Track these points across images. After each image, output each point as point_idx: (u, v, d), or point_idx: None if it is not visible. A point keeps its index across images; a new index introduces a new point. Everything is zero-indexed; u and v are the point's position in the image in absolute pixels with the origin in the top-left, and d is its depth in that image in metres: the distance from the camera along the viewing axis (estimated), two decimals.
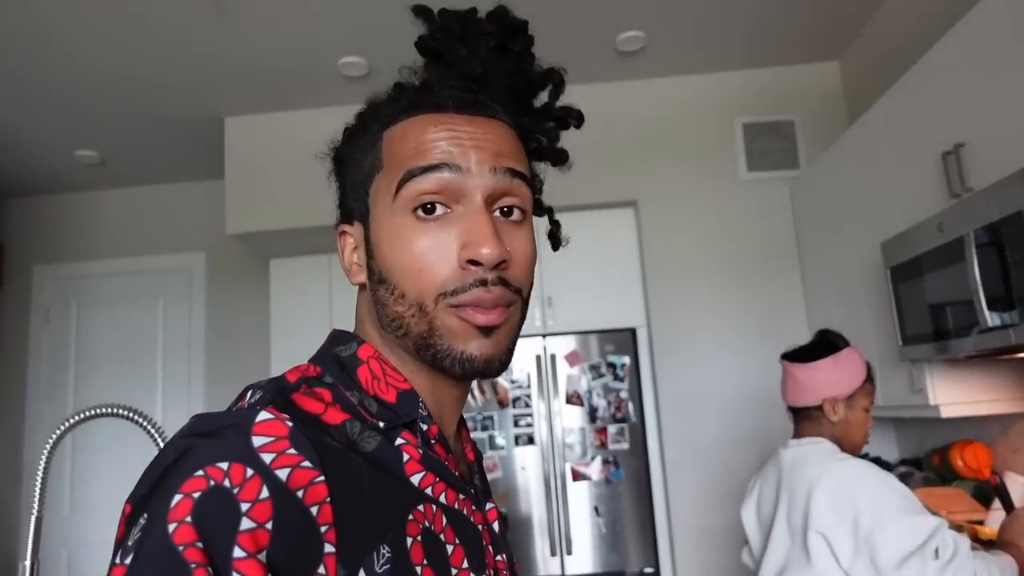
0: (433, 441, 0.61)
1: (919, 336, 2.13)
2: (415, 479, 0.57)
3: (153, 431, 1.15)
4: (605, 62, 3.26)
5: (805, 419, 1.69)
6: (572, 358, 3.35)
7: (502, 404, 3.33)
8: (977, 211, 1.80)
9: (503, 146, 0.61)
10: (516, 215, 0.61)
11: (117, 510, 3.36)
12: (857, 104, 3.17)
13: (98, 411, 1.12)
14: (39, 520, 1.13)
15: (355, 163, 0.64)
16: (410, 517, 0.54)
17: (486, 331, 0.58)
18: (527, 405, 3.33)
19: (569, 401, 3.31)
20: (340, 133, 0.68)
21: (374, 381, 0.60)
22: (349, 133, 0.67)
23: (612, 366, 3.33)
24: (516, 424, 3.31)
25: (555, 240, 0.76)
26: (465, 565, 0.57)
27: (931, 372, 2.24)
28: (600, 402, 3.30)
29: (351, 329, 0.67)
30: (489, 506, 0.67)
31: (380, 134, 0.62)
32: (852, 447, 1.66)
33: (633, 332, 3.36)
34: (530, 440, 3.30)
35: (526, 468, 3.28)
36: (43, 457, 1.11)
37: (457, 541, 0.57)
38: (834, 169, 2.82)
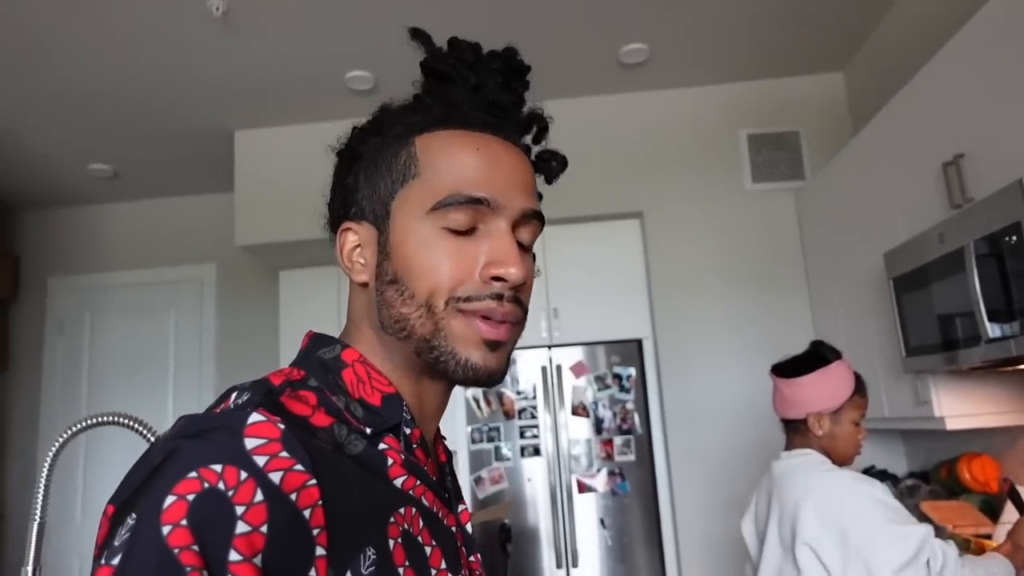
0: (415, 445, 0.62)
1: (923, 347, 2.12)
2: (398, 482, 0.58)
3: (152, 439, 1.17)
4: (609, 74, 3.28)
5: (794, 431, 1.70)
6: (578, 369, 3.36)
7: (508, 415, 3.33)
8: (977, 221, 1.80)
9: (530, 183, 0.65)
10: (527, 245, 0.65)
11: None
12: (862, 115, 3.17)
13: (98, 420, 1.14)
14: (41, 526, 1.15)
15: (376, 164, 0.65)
16: (391, 520, 0.55)
17: (492, 345, 0.60)
18: (533, 416, 3.33)
19: (575, 412, 3.31)
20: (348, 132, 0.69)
21: (359, 384, 0.61)
22: (366, 132, 0.67)
23: (618, 377, 3.33)
24: (522, 435, 3.32)
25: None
26: (443, 565, 0.58)
27: (936, 384, 2.23)
28: (606, 413, 3.30)
29: (340, 329, 0.68)
30: (461, 508, 0.68)
31: (410, 139, 0.63)
32: (841, 459, 1.65)
33: (639, 343, 3.36)
34: (536, 451, 3.30)
35: (532, 480, 3.28)
36: (46, 463, 1.14)
37: (434, 542, 0.58)
38: (838, 180, 2.82)
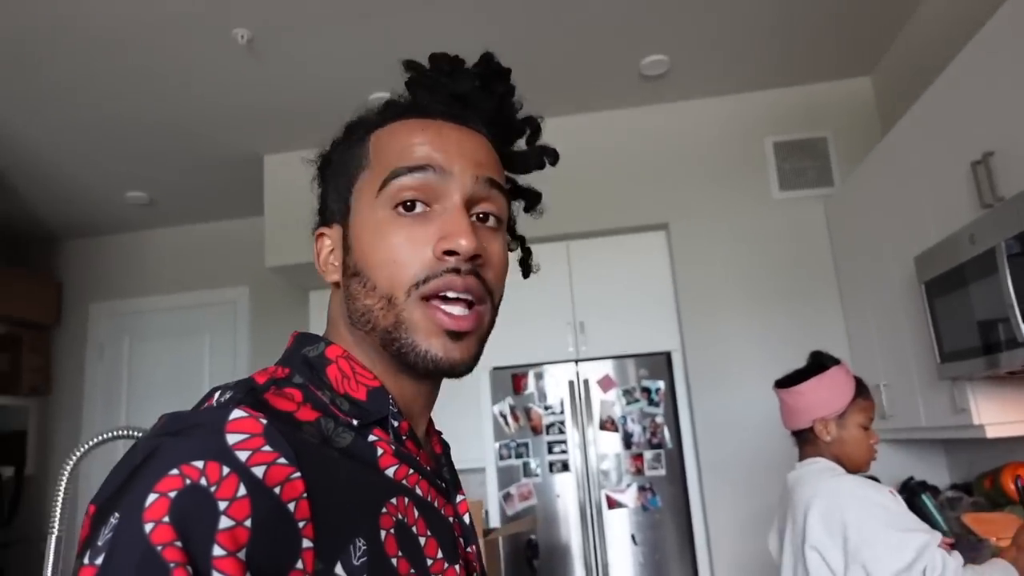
0: (404, 437, 0.61)
1: (958, 352, 2.05)
2: (390, 472, 0.57)
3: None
4: (630, 87, 3.27)
5: (804, 442, 1.73)
6: (606, 383, 3.32)
7: (536, 431, 3.31)
8: (1008, 220, 1.74)
9: (485, 156, 0.64)
10: (492, 222, 0.64)
11: None
12: (891, 118, 3.11)
13: (112, 435, 1.16)
14: (59, 540, 1.17)
15: (339, 165, 0.67)
16: (384, 510, 0.54)
17: (454, 335, 0.59)
18: (561, 431, 3.30)
19: (603, 427, 3.27)
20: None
21: (344, 380, 0.61)
22: (336, 140, 0.70)
23: (647, 391, 3.29)
24: (551, 451, 3.28)
25: (526, 267, 0.79)
26: (439, 555, 0.58)
27: (973, 390, 2.15)
28: (635, 428, 3.25)
29: (323, 330, 0.68)
30: (459, 498, 0.68)
31: (367, 137, 0.65)
32: (855, 465, 1.65)
33: (668, 356, 3.31)
34: (565, 467, 3.26)
35: (561, 496, 3.24)
36: (64, 476, 1.16)
37: (429, 533, 0.58)
38: (867, 184, 2.76)
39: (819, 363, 1.73)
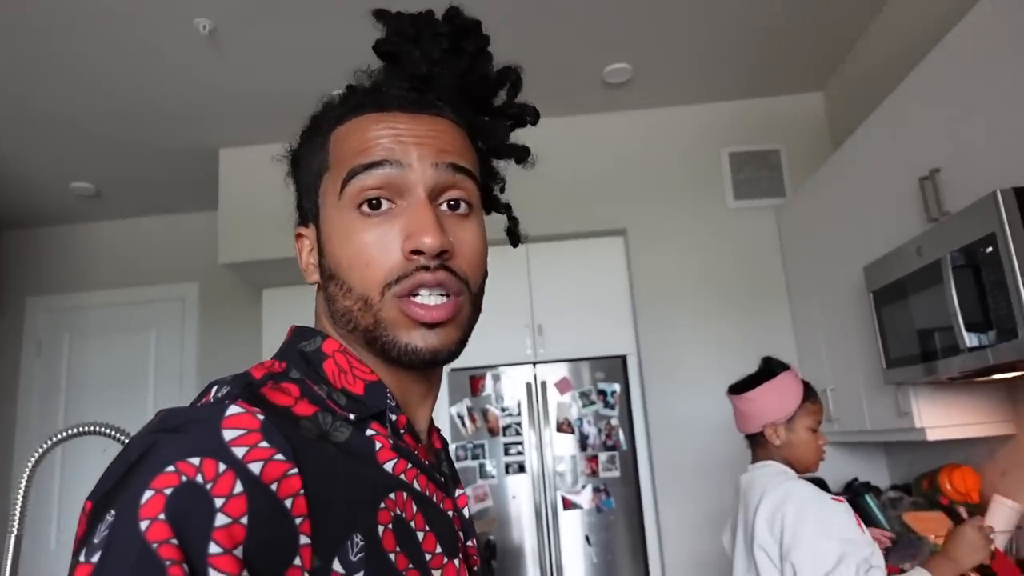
0: (402, 431, 0.62)
1: (902, 359, 2.15)
2: (388, 466, 0.57)
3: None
4: (593, 94, 3.33)
5: (756, 445, 1.79)
6: (563, 385, 3.36)
7: (493, 432, 3.32)
8: (953, 234, 1.83)
9: (446, 142, 0.63)
10: (463, 208, 0.63)
11: None
12: (840, 132, 3.23)
13: (81, 430, 1.13)
14: (19, 540, 1.13)
15: (306, 165, 0.66)
16: (382, 505, 0.54)
17: (430, 326, 0.59)
18: (518, 433, 3.32)
19: (560, 429, 3.31)
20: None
21: (341, 374, 0.61)
22: (303, 135, 0.68)
23: (603, 393, 3.34)
24: (507, 452, 3.30)
25: (514, 236, 0.77)
26: (438, 550, 0.58)
27: (916, 395, 2.26)
28: (591, 430, 3.30)
29: (286, 327, 0.68)
30: (459, 492, 0.68)
31: (328, 135, 0.64)
32: (803, 467, 1.73)
33: (623, 359, 3.37)
34: (521, 468, 3.28)
35: (517, 497, 3.26)
36: (24, 474, 1.12)
37: (427, 527, 0.58)
38: (818, 196, 2.86)
39: (769, 369, 1.79)
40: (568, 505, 3.23)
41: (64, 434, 1.10)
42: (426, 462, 0.63)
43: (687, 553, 3.07)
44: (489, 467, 3.29)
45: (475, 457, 3.30)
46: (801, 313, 3.14)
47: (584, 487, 3.24)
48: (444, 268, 0.59)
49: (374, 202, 0.60)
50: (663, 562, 3.11)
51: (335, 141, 0.63)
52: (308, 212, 0.66)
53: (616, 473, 3.25)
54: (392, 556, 0.53)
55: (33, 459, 1.11)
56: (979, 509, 2.30)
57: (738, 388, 1.81)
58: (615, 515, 3.21)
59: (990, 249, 1.69)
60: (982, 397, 2.25)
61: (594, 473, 3.25)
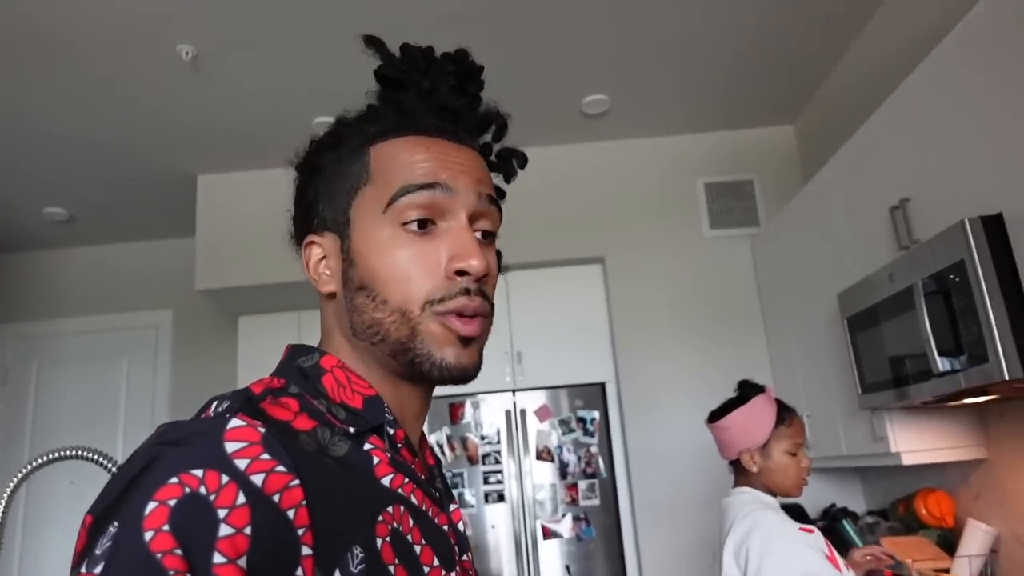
0: (400, 445, 0.62)
1: (877, 384, 2.19)
2: (386, 480, 0.58)
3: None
4: (572, 124, 3.38)
5: (737, 471, 1.77)
6: (542, 413, 3.36)
7: (472, 461, 3.30)
8: (923, 261, 1.89)
9: (481, 174, 0.67)
10: (490, 238, 0.67)
11: None
12: (811, 164, 3.32)
13: (61, 454, 1.11)
14: None
15: (335, 175, 0.66)
16: (380, 518, 0.55)
17: (465, 341, 0.61)
18: (497, 461, 3.30)
19: (539, 457, 3.30)
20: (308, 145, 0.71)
21: (340, 389, 0.61)
22: (324, 145, 0.69)
23: (582, 421, 3.34)
24: (486, 481, 3.28)
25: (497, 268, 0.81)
26: (436, 563, 0.58)
27: (891, 420, 2.30)
28: (571, 457, 3.29)
29: (315, 341, 0.69)
30: (453, 507, 0.69)
31: (366, 148, 0.65)
32: (783, 492, 1.70)
33: (603, 387, 3.38)
34: (500, 497, 3.26)
35: (496, 527, 3.23)
36: (5, 495, 1.09)
37: (424, 541, 0.59)
38: (791, 225, 2.93)
39: (742, 394, 1.77)
40: (548, 534, 3.21)
41: (47, 457, 1.08)
42: (422, 476, 0.64)
43: None
44: (468, 496, 3.26)
45: (454, 486, 3.28)
46: (777, 340, 3.18)
47: (564, 516, 3.22)
48: (481, 293, 0.62)
49: (420, 221, 0.62)
50: None
51: (378, 157, 0.64)
52: (327, 221, 0.66)
53: (596, 501, 3.24)
54: (392, 568, 0.53)
55: (14, 482, 1.09)
56: (954, 533, 2.33)
57: (714, 416, 1.79)
58: (595, 544, 3.20)
59: (959, 276, 1.74)
60: (954, 422, 2.29)
61: (574, 501, 3.24)
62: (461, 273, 0.61)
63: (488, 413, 3.35)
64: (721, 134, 3.56)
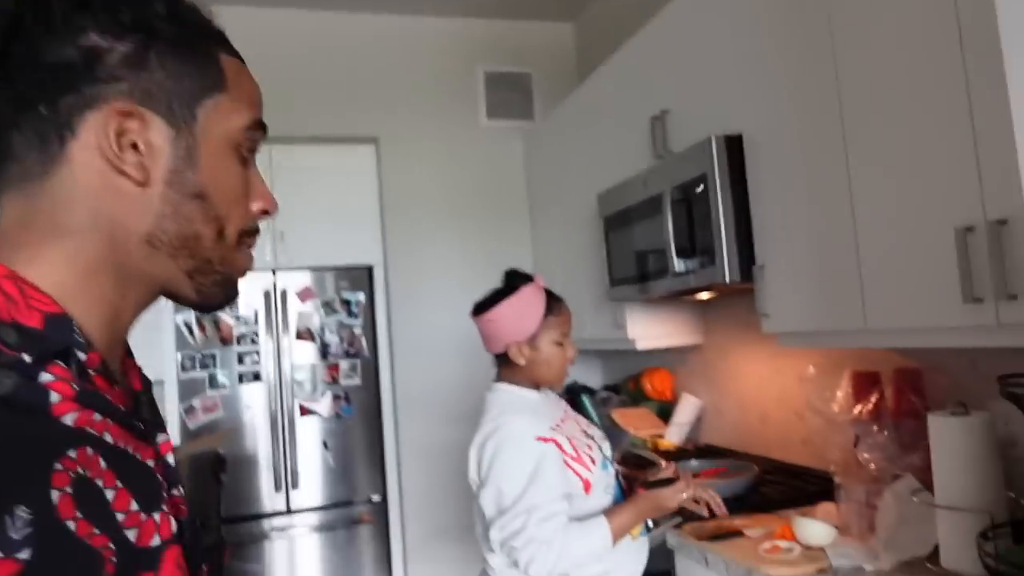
0: (93, 372, 0.53)
1: (623, 279, 2.42)
2: (68, 419, 0.49)
3: None
4: None
5: (501, 364, 1.68)
6: (304, 294, 3.25)
7: (225, 341, 3.13)
8: (674, 171, 2.07)
9: None
10: None
11: None
12: (587, 65, 3.43)
13: None
14: None
15: (181, 58, 0.57)
16: (58, 467, 0.46)
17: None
18: (253, 342, 3.17)
19: (300, 337, 3.22)
20: None
21: (10, 305, 0.49)
22: (175, 17, 0.57)
23: (347, 303, 3.30)
24: (241, 361, 3.15)
25: None
26: (133, 507, 0.50)
27: (631, 311, 2.57)
28: (333, 338, 3.26)
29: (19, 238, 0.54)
30: (162, 438, 0.61)
31: (215, 54, 0.60)
32: (547, 383, 1.67)
33: (370, 270, 3.35)
34: (256, 377, 3.16)
35: (252, 407, 3.14)
36: None
37: (119, 483, 0.50)
38: (562, 124, 3.04)
39: (510, 284, 1.65)
40: (305, 412, 3.19)
41: None
42: (121, 407, 0.54)
43: (423, 451, 3.25)
44: (221, 377, 3.12)
45: (204, 367, 3.10)
46: (540, 233, 3.36)
47: (324, 394, 3.22)
48: None
49: (253, 153, 0.63)
50: (399, 463, 3.25)
51: (230, 71, 0.60)
52: (161, 103, 0.55)
53: (357, 381, 3.27)
54: (71, 524, 0.45)
55: None
56: (672, 405, 2.73)
57: (480, 308, 1.66)
58: (354, 421, 3.26)
59: (701, 188, 1.94)
60: (681, 314, 2.63)
61: (335, 380, 3.24)
62: (265, 213, 0.63)
63: (245, 293, 3.17)
64: (502, 22, 3.52)
